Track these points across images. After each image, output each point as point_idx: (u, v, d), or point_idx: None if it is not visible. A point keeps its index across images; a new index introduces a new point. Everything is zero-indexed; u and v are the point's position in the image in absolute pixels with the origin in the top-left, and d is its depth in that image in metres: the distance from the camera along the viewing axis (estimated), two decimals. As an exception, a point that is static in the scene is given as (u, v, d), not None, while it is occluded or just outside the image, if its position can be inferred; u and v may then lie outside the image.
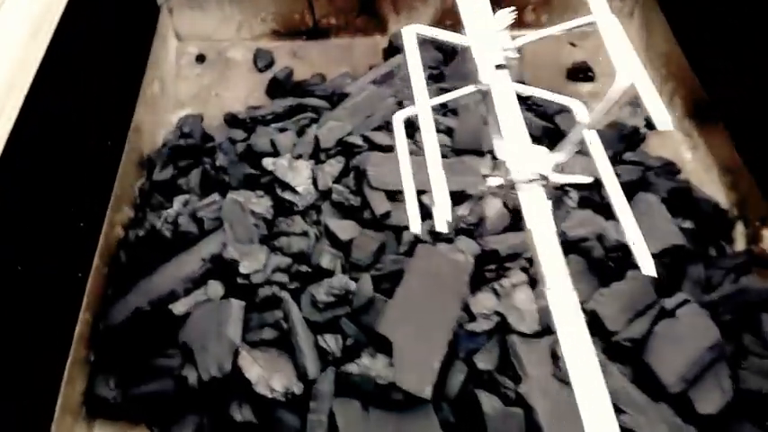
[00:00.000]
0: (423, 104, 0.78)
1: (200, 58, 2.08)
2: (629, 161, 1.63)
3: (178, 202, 1.47)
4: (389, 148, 1.48)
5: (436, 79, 1.89)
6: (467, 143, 1.48)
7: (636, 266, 1.43)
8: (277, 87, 1.94)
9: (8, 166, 1.07)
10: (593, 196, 1.51)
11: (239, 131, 1.68)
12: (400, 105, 1.63)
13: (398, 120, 0.88)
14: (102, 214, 1.47)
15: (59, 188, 1.30)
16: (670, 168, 1.67)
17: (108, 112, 1.59)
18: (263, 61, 2.06)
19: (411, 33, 0.81)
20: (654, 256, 0.98)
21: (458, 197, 1.39)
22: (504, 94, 0.80)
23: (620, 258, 1.41)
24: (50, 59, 1.23)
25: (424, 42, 2.05)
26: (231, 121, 1.75)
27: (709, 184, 1.69)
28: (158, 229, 1.39)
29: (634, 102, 1.86)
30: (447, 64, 1.96)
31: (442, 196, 0.77)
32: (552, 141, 1.62)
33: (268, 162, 1.49)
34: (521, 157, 0.76)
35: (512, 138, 0.78)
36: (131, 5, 1.83)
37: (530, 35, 0.81)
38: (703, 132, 1.76)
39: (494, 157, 1.53)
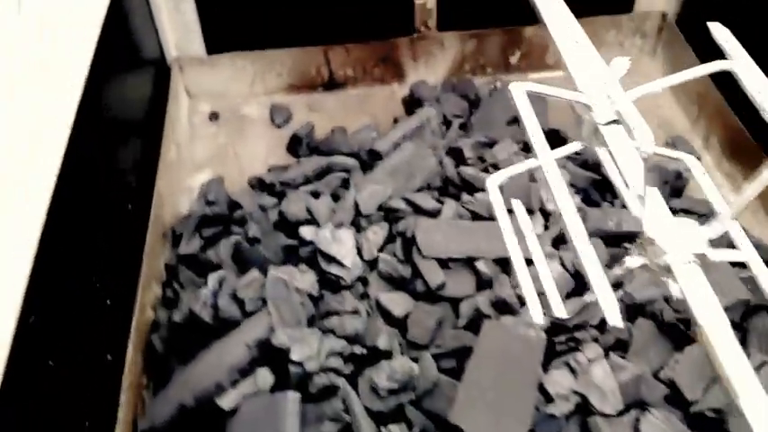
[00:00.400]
0: (548, 162, 0.66)
1: (214, 116, 2.00)
2: (678, 210, 1.56)
3: (213, 279, 1.37)
4: (434, 213, 1.40)
5: (463, 128, 1.83)
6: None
7: (704, 325, 1.37)
8: (298, 144, 1.87)
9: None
10: (649, 251, 1.44)
11: (269, 198, 1.59)
12: (453, 155, 1.56)
13: (493, 185, 0.78)
14: (133, 294, 1.37)
15: (87, 269, 1.20)
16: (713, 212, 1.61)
17: (131, 181, 1.51)
18: (280, 117, 1.98)
19: (520, 90, 0.71)
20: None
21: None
22: (625, 153, 0.69)
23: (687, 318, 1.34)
24: (73, 135, 1.14)
25: (447, 89, 2.00)
26: (258, 185, 1.67)
27: (758, 226, 1.63)
28: (197, 314, 1.29)
29: (671, 144, 1.82)
30: (471, 113, 1.90)
31: (600, 282, 0.64)
32: (601, 194, 1.57)
33: (306, 232, 1.41)
34: (671, 234, 0.64)
35: (654, 208, 0.68)
36: (143, 67, 1.76)
37: (645, 86, 0.72)
38: (746, 173, 1.71)
39: (544, 215, 1.46)
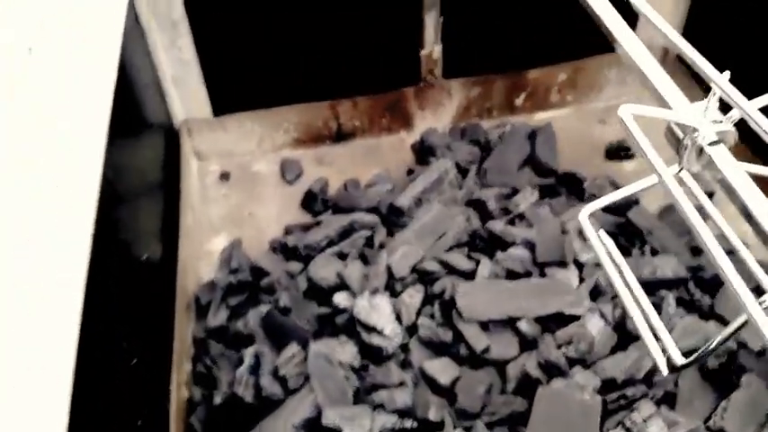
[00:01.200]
0: (669, 178, 0.60)
1: (225, 176, 1.98)
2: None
3: (249, 356, 1.35)
4: (470, 273, 1.39)
5: (477, 175, 1.83)
6: (549, 255, 1.40)
7: (745, 369, 1.37)
8: (313, 200, 1.85)
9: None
10: (685, 294, 1.44)
11: (295, 263, 1.57)
12: (482, 219, 1.55)
13: (585, 216, 0.72)
14: (167, 374, 1.34)
15: (122, 351, 1.17)
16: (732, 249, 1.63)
17: (156, 252, 1.48)
18: (291, 173, 1.96)
19: (627, 114, 0.66)
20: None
21: (557, 319, 1.30)
22: (736, 174, 0.61)
23: (728, 362, 1.34)
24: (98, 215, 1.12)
25: (456, 136, 2.00)
26: (281, 249, 1.65)
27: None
28: (239, 395, 1.26)
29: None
30: (483, 159, 1.90)
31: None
32: (628, 239, 1.57)
33: (341, 299, 1.39)
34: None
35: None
36: (153, 134, 1.73)
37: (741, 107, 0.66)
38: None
39: (579, 268, 1.46)
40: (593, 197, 1.68)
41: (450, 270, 1.40)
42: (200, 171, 2.00)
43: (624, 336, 1.32)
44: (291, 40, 1.85)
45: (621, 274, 0.71)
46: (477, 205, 1.60)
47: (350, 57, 1.90)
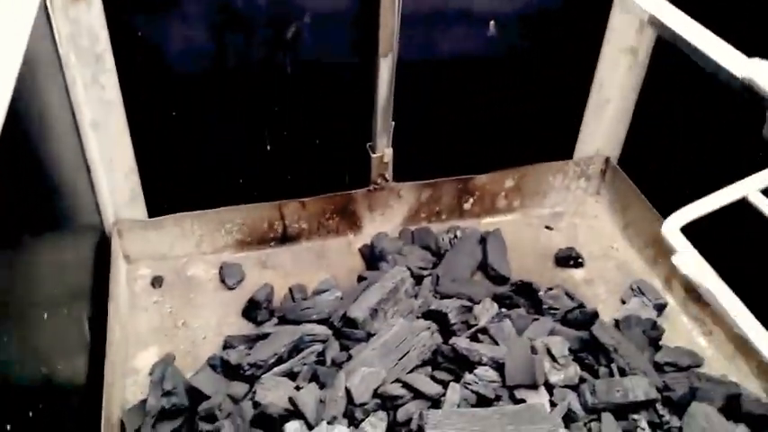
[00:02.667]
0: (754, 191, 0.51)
1: (157, 281, 1.81)
2: (663, 364, 1.54)
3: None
4: (438, 398, 1.29)
5: (434, 283, 1.75)
6: (519, 377, 1.32)
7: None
8: (257, 309, 1.71)
9: None
10: (655, 416, 1.39)
11: (238, 384, 1.42)
12: (443, 333, 1.46)
13: (673, 229, 0.61)
14: None
15: None
16: (696, 362, 1.61)
17: (76, 372, 1.29)
18: (232, 278, 1.82)
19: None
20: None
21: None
22: None
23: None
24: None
25: (407, 240, 1.93)
26: (222, 367, 1.49)
27: (737, 373, 1.63)
28: None
29: (636, 289, 1.82)
30: (435, 265, 1.84)
31: None
32: (594, 357, 1.51)
33: (293, 430, 1.24)
34: None
35: None
36: (81, 236, 1.57)
37: None
38: (716, 316, 1.73)
39: (549, 390, 1.38)
40: (552, 310, 1.64)
41: (416, 394, 1.29)
42: (129, 275, 1.83)
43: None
44: (236, 140, 1.76)
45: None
46: (437, 317, 1.51)
47: (301, 158, 1.83)
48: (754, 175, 0.60)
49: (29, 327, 1.08)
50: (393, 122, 1.80)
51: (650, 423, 1.36)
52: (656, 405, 1.40)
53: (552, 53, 1.86)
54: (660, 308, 1.74)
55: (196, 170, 1.77)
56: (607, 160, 2.10)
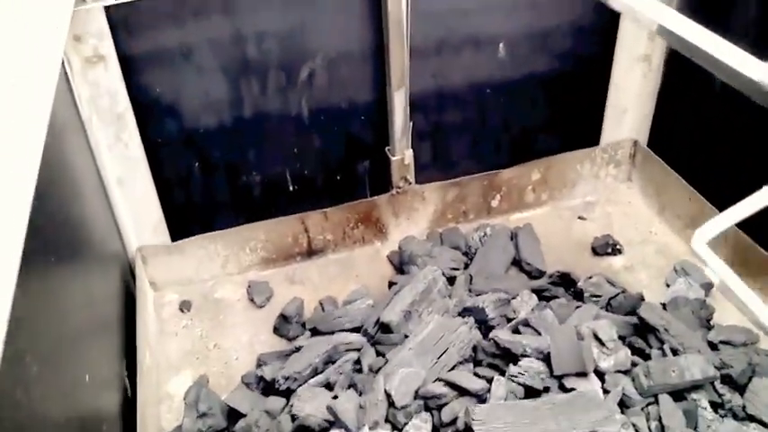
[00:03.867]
0: None
1: (185, 306, 1.78)
2: (717, 343, 1.45)
3: None
4: (483, 394, 1.22)
5: (467, 282, 1.69)
6: (567, 366, 1.25)
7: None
8: (287, 324, 1.66)
9: None
10: (715, 395, 1.30)
11: (275, 399, 1.36)
12: (481, 329, 1.39)
13: (701, 243, 0.58)
14: None
15: None
16: (752, 339, 1.51)
17: (111, 404, 1.25)
18: (260, 296, 1.78)
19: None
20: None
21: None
22: None
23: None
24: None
25: (436, 242, 1.88)
26: (257, 383, 1.44)
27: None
28: None
29: (680, 270, 1.74)
30: (467, 265, 1.78)
31: None
32: (644, 339, 1.43)
33: (335, 439, 1.18)
34: None
35: None
36: (104, 265, 1.54)
37: None
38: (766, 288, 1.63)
39: (600, 377, 1.30)
40: (593, 297, 1.56)
41: (460, 392, 1.22)
42: (157, 302, 1.80)
43: (668, 452, 1.15)
44: (253, 158, 1.73)
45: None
46: (475, 313, 1.44)
47: (319, 167, 1.80)
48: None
49: (59, 358, 1.05)
50: (411, 122, 1.76)
51: (711, 403, 1.27)
52: (715, 384, 1.31)
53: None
54: (708, 287, 1.65)
55: (214, 187, 1.74)
56: (635, 143, 2.03)
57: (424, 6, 1.61)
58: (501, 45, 1.75)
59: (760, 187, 0.61)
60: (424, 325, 1.34)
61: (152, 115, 1.59)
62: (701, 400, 1.24)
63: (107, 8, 1.42)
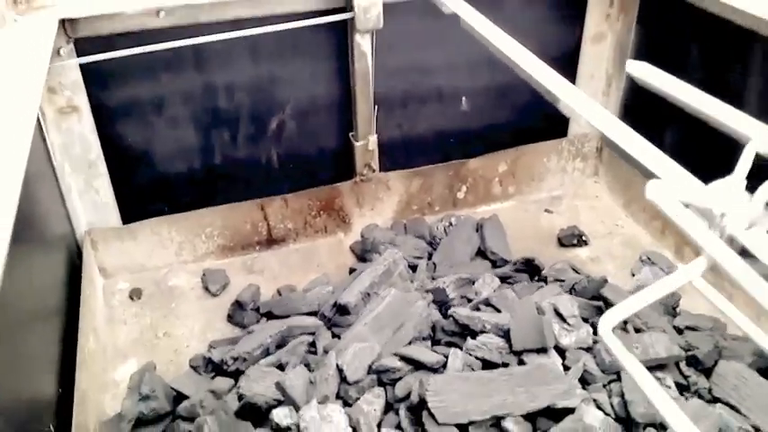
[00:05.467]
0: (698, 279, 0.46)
1: (136, 294, 1.70)
2: (683, 328, 1.41)
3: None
4: (439, 367, 1.16)
5: (430, 269, 1.64)
6: (527, 341, 1.19)
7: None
8: (242, 311, 1.59)
9: None
10: (680, 377, 1.25)
11: (222, 380, 1.29)
12: (441, 309, 1.34)
13: (607, 328, 0.56)
14: None
15: None
16: (718, 326, 1.48)
17: (45, 386, 1.17)
18: (215, 284, 1.71)
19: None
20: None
21: (549, 414, 1.07)
22: None
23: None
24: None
25: (400, 231, 1.83)
26: (204, 365, 1.36)
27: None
28: None
29: (646, 259, 1.70)
30: (431, 255, 1.73)
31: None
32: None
33: (281, 415, 1.11)
34: None
35: None
36: (50, 247, 1.46)
37: None
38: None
39: (561, 354, 1.25)
40: (558, 281, 1.52)
41: (415, 366, 1.16)
42: (106, 290, 1.71)
43: (630, 428, 1.10)
44: (210, 137, 1.68)
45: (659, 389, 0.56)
46: (435, 294, 1.39)
47: (278, 150, 1.75)
48: (693, 262, 0.55)
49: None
50: (377, 106, 1.72)
51: (677, 384, 1.22)
52: (681, 365, 1.27)
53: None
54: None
55: (169, 168, 1.69)
56: (603, 137, 2.01)
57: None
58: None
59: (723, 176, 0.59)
60: (380, 299, 1.28)
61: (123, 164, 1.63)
62: (666, 378, 1.20)
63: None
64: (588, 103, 0.68)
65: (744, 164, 0.57)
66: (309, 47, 1.62)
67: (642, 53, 1.80)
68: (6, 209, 0.78)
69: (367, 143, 1.76)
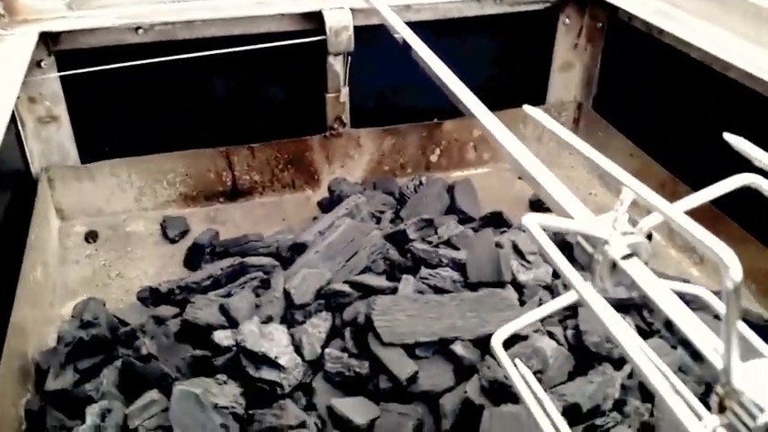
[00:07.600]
0: (589, 295, 0.47)
1: (92, 236, 1.65)
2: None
3: (92, 415, 0.98)
4: (387, 293, 1.11)
5: (393, 222, 1.60)
6: (483, 274, 1.15)
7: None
8: (199, 254, 1.54)
9: None
10: (641, 322, 1.22)
11: (166, 308, 1.24)
12: (394, 241, 1.29)
13: (498, 342, 0.64)
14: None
15: None
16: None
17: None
18: (175, 229, 1.66)
19: (533, 224, 0.52)
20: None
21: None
22: (654, 290, 0.47)
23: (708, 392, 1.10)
24: None
25: (369, 188, 1.78)
26: (152, 297, 1.31)
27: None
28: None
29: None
30: (399, 210, 1.69)
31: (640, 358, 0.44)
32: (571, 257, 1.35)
33: (221, 336, 1.06)
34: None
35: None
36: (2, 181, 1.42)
37: (655, 215, 0.51)
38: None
39: (519, 291, 1.21)
40: (523, 232, 1.48)
41: (365, 292, 1.11)
42: (62, 232, 1.66)
43: (583, 359, 1.06)
44: (177, 81, 1.64)
45: (542, 406, 0.60)
46: (396, 236, 1.35)
47: (246, 97, 1.71)
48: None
49: None
50: (350, 58, 1.69)
51: (638, 328, 1.18)
52: (644, 312, 1.23)
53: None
54: (648, 237, 1.58)
55: (132, 108, 1.64)
56: (580, 106, 1.99)
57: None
58: None
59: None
60: (335, 228, 1.24)
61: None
62: (626, 317, 1.16)
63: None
64: (506, 134, 0.66)
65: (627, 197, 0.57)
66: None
67: (607, 82, 1.90)
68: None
69: (338, 95, 1.72)
